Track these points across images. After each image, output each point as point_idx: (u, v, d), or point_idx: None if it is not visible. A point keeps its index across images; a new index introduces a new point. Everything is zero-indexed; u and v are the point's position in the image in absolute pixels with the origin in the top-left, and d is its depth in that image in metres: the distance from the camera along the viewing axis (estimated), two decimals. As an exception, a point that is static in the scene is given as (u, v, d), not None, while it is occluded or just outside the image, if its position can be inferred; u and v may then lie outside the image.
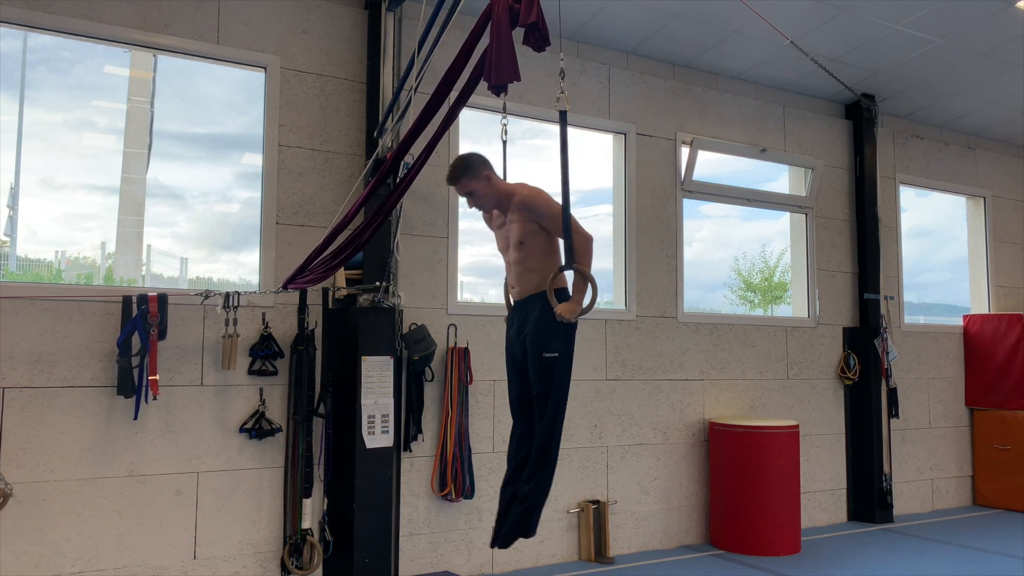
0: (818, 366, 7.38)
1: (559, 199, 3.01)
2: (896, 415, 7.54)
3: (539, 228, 3.24)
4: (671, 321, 6.58)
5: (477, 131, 5.98)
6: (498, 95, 2.60)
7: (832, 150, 7.70)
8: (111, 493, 4.51)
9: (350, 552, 4.75)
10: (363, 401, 4.81)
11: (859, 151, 7.71)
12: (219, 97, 5.42)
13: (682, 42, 6.43)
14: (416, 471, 5.37)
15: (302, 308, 4.95)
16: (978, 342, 8.30)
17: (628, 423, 6.27)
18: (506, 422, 5.65)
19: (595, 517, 5.91)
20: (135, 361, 4.47)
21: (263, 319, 4.96)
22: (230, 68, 5.22)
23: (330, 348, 5.00)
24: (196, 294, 4.69)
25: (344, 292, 5.03)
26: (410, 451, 5.32)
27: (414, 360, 5.19)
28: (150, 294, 4.52)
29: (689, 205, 6.92)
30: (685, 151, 6.81)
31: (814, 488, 7.15)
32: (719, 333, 6.84)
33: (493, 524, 3.38)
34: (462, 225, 5.73)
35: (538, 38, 2.42)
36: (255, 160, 5.25)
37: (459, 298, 5.74)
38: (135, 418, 4.52)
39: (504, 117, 3.43)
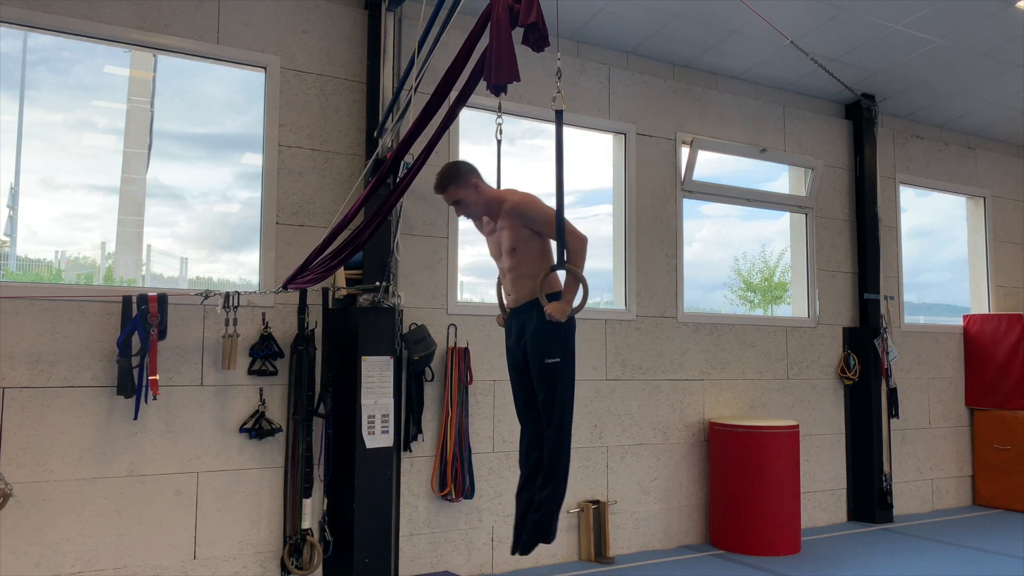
0: (818, 366, 7.38)
1: (552, 199, 3.00)
2: (896, 415, 7.54)
3: (531, 234, 3.23)
4: (671, 321, 6.58)
5: (477, 131, 5.98)
6: (497, 95, 2.59)
7: (832, 150, 7.70)
8: (111, 493, 4.51)
9: (350, 552, 4.75)
10: (363, 401, 4.81)
11: (859, 151, 7.71)
12: (219, 97, 5.42)
13: (682, 42, 6.43)
14: (416, 471, 5.37)
15: (302, 308, 4.95)
16: (978, 342, 8.30)
17: (628, 423, 6.27)
18: (506, 422, 5.66)
19: (595, 517, 5.91)
20: (135, 361, 4.47)
21: (263, 319, 4.96)
22: (230, 68, 5.22)
23: (330, 348, 5.00)
24: (196, 294, 4.69)
25: (344, 292, 5.03)
26: (410, 451, 5.32)
27: (414, 360, 5.19)
28: (150, 294, 4.52)
29: (689, 205, 6.92)
30: (685, 151, 6.81)
31: (814, 488, 7.15)
32: (719, 333, 6.84)
33: (512, 529, 3.38)
34: (462, 225, 5.73)
35: (537, 38, 2.42)
36: (255, 160, 5.25)
37: (459, 298, 5.74)
38: (135, 418, 4.53)
39: (499, 116, 3.42)
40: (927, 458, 7.96)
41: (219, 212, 5.45)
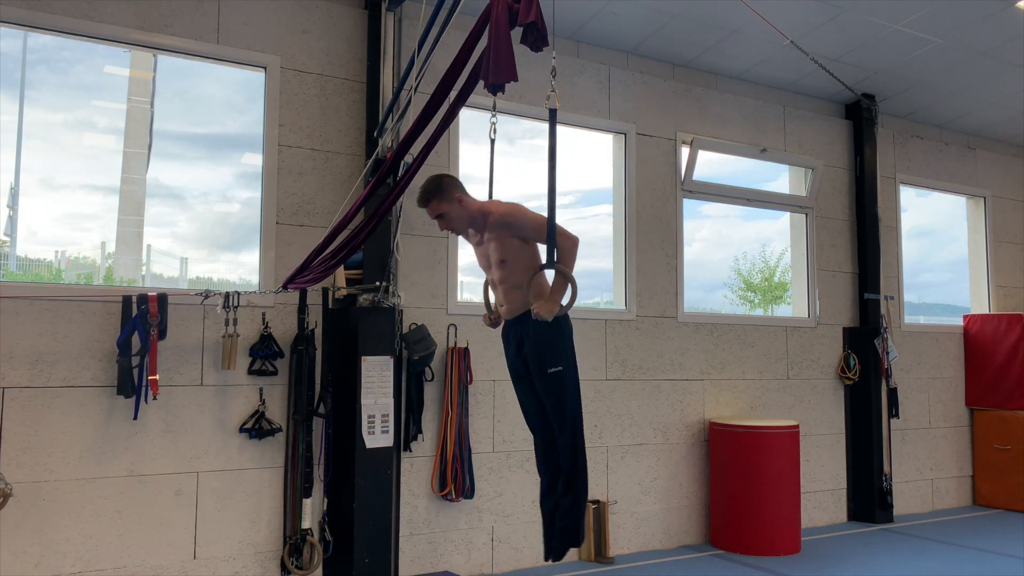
0: (818, 366, 7.38)
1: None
2: (896, 415, 7.53)
3: (520, 244, 3.18)
4: (671, 321, 6.58)
5: (477, 131, 5.98)
6: (495, 94, 2.59)
7: (832, 150, 7.70)
8: (111, 493, 4.51)
9: (350, 552, 4.75)
10: (363, 401, 4.81)
11: (859, 151, 7.71)
12: (219, 97, 5.42)
13: (682, 42, 6.43)
14: (416, 471, 5.37)
15: (302, 308, 4.95)
16: (978, 342, 8.30)
17: (628, 423, 6.27)
18: (506, 422, 5.66)
19: (595, 517, 5.91)
20: (135, 361, 4.47)
21: (263, 319, 4.96)
22: (230, 68, 5.22)
23: (330, 348, 5.00)
24: (196, 294, 4.69)
25: (344, 292, 5.03)
26: (410, 451, 5.32)
27: (414, 360, 5.19)
28: (150, 294, 4.52)
29: (689, 205, 6.92)
30: (685, 151, 6.81)
31: (814, 488, 7.15)
32: (719, 333, 6.84)
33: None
34: (462, 225, 5.72)
35: (536, 38, 2.42)
36: (255, 160, 5.25)
37: (459, 298, 5.74)
38: (135, 418, 4.53)
39: (494, 116, 3.39)
40: (927, 458, 7.96)
41: (219, 212, 5.45)
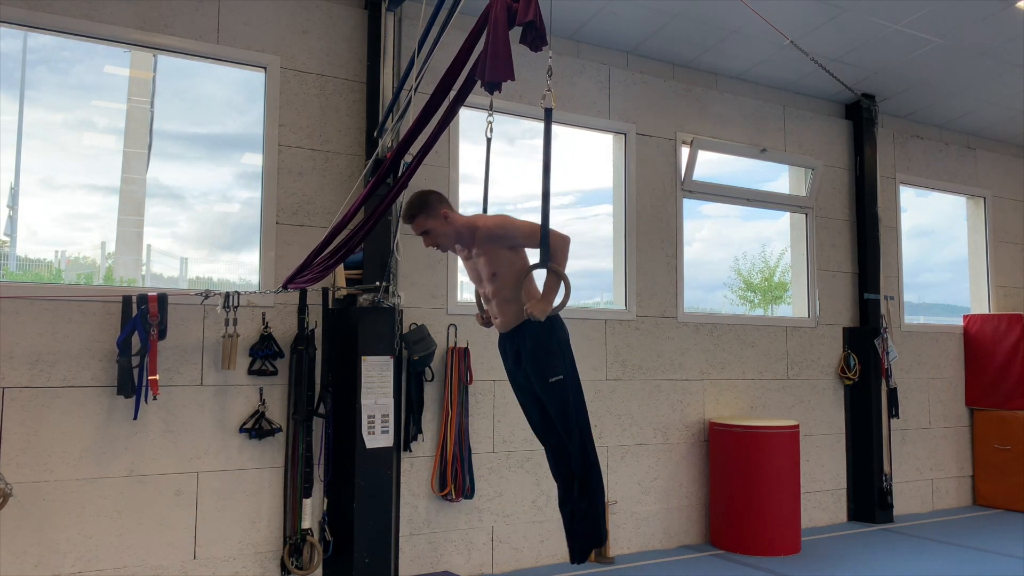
0: (818, 366, 7.38)
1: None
2: (896, 415, 7.54)
3: (511, 256, 3.16)
4: (671, 321, 6.58)
5: (477, 131, 5.98)
6: (491, 93, 2.58)
7: (832, 150, 7.70)
8: (111, 493, 4.51)
9: (350, 552, 4.75)
10: (363, 401, 4.81)
11: (859, 151, 7.71)
12: (219, 97, 5.42)
13: (682, 42, 6.43)
14: (416, 471, 5.37)
15: (302, 308, 4.95)
16: (978, 342, 8.30)
17: (628, 423, 6.27)
18: (506, 422, 5.66)
19: (595, 517, 5.90)
20: (135, 361, 4.47)
21: (263, 319, 4.96)
22: (230, 68, 5.22)
23: (330, 348, 5.00)
24: (196, 294, 4.69)
25: (344, 292, 5.03)
26: (410, 451, 5.32)
27: (414, 360, 5.19)
28: (150, 294, 4.52)
29: (689, 205, 6.92)
30: (685, 151, 6.81)
31: (814, 488, 7.15)
32: (719, 333, 6.84)
33: (565, 539, 3.38)
34: (462, 225, 5.72)
35: (535, 37, 2.41)
36: (255, 160, 5.25)
37: (459, 298, 5.74)
38: (135, 418, 4.53)
39: (490, 115, 3.37)
40: (927, 458, 7.96)
41: (219, 212, 5.45)
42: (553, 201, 6.87)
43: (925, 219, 8.95)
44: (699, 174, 6.83)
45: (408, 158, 4.11)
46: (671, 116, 6.76)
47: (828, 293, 7.51)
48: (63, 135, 4.93)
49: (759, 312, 10.48)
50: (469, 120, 5.92)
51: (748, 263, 9.48)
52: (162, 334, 4.55)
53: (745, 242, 8.32)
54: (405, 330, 5.28)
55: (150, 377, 4.46)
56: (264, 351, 4.90)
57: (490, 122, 3.32)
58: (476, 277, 3.33)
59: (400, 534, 5.26)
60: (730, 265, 8.36)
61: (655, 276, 6.54)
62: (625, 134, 6.52)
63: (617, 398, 6.24)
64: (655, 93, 6.69)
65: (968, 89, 7.46)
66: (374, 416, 4.84)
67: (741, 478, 6.18)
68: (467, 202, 5.77)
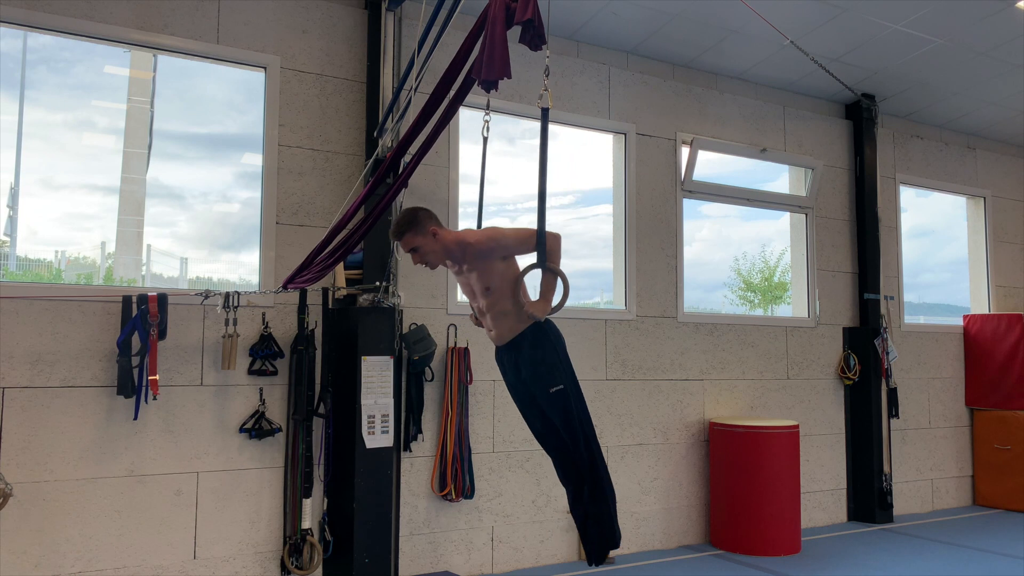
0: (818, 366, 7.38)
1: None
2: (896, 415, 7.54)
3: (503, 267, 3.13)
4: (671, 321, 6.58)
5: (477, 131, 5.93)
6: (488, 91, 2.57)
7: (832, 150, 7.70)
8: (111, 493, 4.51)
9: (350, 552, 4.75)
10: (363, 401, 4.81)
11: (859, 151, 7.71)
12: (219, 97, 5.42)
13: (682, 42, 6.43)
14: (416, 471, 5.37)
15: (302, 308, 4.95)
16: (978, 342, 8.30)
17: (628, 423, 6.28)
18: (506, 422, 5.66)
19: (595, 517, 5.90)
20: (135, 361, 4.47)
21: (263, 319, 4.96)
22: (230, 68, 5.22)
23: (330, 348, 5.00)
24: (196, 294, 4.69)
25: (344, 292, 5.03)
26: (410, 451, 5.32)
27: (414, 360, 5.20)
28: (150, 294, 4.52)
29: (689, 205, 6.92)
30: (685, 151, 6.81)
31: (814, 488, 7.15)
32: (719, 333, 6.84)
33: (579, 541, 3.39)
34: (462, 225, 5.73)
35: (533, 36, 2.41)
36: (255, 160, 5.25)
37: (459, 298, 5.74)
38: (135, 418, 4.53)
39: (487, 114, 3.36)
40: (927, 458, 7.96)
41: (219, 212, 5.45)
42: (553, 201, 6.86)
43: (925, 219, 8.96)
44: (699, 174, 6.83)
45: (408, 158, 4.12)
46: (671, 116, 6.76)
47: (828, 293, 7.51)
48: (63, 135, 4.93)
49: (759, 312, 10.48)
50: (469, 120, 5.92)
51: (748, 263, 9.48)
52: (162, 334, 4.55)
53: (745, 242, 8.32)
54: (405, 330, 5.28)
55: (150, 377, 4.46)
56: (264, 351, 4.90)
57: (487, 121, 3.31)
58: (470, 292, 3.31)
59: (400, 534, 5.26)
60: (730, 265, 8.36)
61: (655, 276, 6.54)
62: (625, 134, 6.52)
63: (617, 398, 6.24)
64: (655, 93, 6.69)
65: (968, 89, 7.46)
66: (374, 416, 4.84)
67: (741, 478, 6.18)
68: (466, 202, 5.78)
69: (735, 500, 6.22)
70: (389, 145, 5.01)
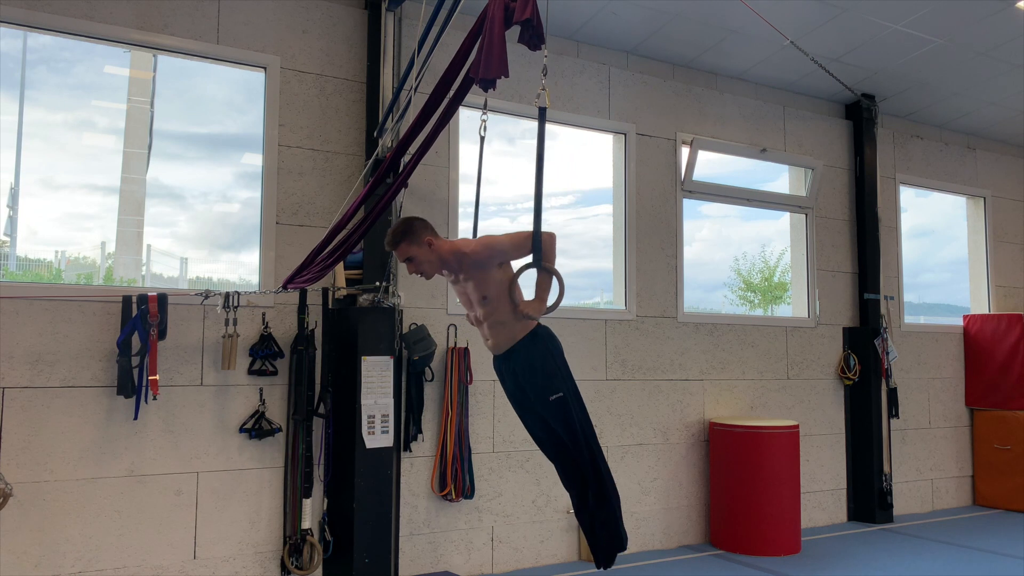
0: (818, 366, 7.38)
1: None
2: (896, 415, 7.54)
3: (500, 276, 3.14)
4: (671, 321, 6.58)
5: (476, 131, 5.97)
6: (486, 90, 2.57)
7: (832, 150, 7.70)
8: (111, 493, 4.51)
9: (350, 552, 4.75)
10: (363, 401, 4.81)
11: (859, 151, 7.71)
12: (219, 97, 5.42)
13: (682, 42, 6.43)
14: (416, 471, 5.37)
15: (302, 308, 4.95)
16: (978, 342, 8.30)
17: (628, 423, 6.28)
18: (506, 422, 5.66)
19: (595, 517, 5.90)
20: (135, 361, 4.47)
21: (263, 319, 4.96)
22: (230, 68, 5.22)
23: (330, 348, 5.00)
24: (196, 294, 4.69)
25: (344, 292, 5.03)
26: (410, 451, 5.32)
27: (414, 360, 5.20)
28: (150, 294, 4.52)
29: (689, 205, 6.92)
30: (685, 151, 6.81)
31: (814, 488, 7.15)
32: (719, 333, 6.84)
33: (587, 545, 3.39)
34: (462, 225, 5.73)
35: (532, 35, 2.41)
36: (255, 160, 5.25)
37: (459, 298, 5.73)
38: (135, 418, 4.53)
39: (484, 113, 3.36)
40: (927, 458, 7.96)
41: (219, 212, 5.45)
42: (553, 201, 6.85)
43: (925, 219, 8.96)
44: (699, 174, 6.83)
45: (407, 157, 4.12)
46: (671, 116, 6.76)
47: (828, 293, 7.51)
48: (63, 135, 4.93)
49: (759, 312, 10.48)
50: (469, 120, 5.92)
51: (748, 263, 9.48)
52: (162, 334, 4.55)
53: (745, 242, 8.33)
54: (405, 330, 5.28)
55: (150, 377, 4.47)
56: (264, 351, 4.90)
57: (484, 120, 3.29)
58: (466, 301, 3.31)
59: (400, 534, 5.26)
60: (730, 265, 8.36)
61: (655, 276, 6.54)
62: (625, 134, 6.52)
63: (617, 398, 6.24)
64: (655, 93, 6.69)
65: (968, 89, 7.46)
66: (374, 416, 4.84)
67: (741, 478, 6.18)
68: (466, 202, 5.78)
69: (735, 500, 6.22)
70: (389, 145, 5.01)
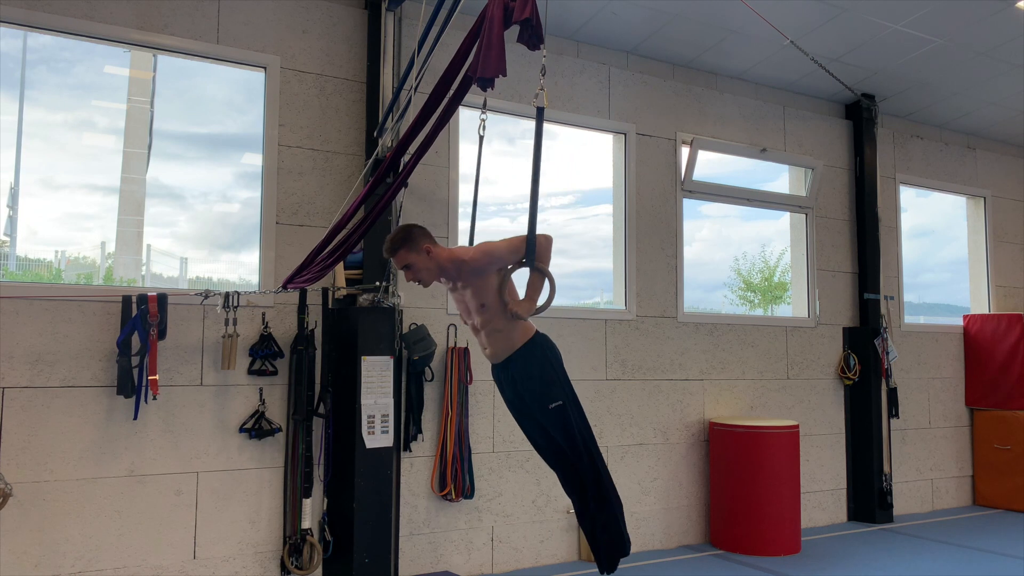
0: (818, 366, 7.38)
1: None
2: (896, 415, 7.54)
3: (496, 282, 3.14)
4: (671, 321, 6.58)
5: (476, 131, 5.97)
6: (484, 89, 2.57)
7: (832, 150, 7.70)
8: (111, 493, 4.51)
9: (350, 552, 4.75)
10: (363, 401, 4.81)
11: (859, 151, 7.71)
12: (219, 97, 5.42)
13: (682, 42, 6.43)
14: (416, 471, 5.37)
15: (302, 308, 4.95)
16: (978, 342, 8.30)
17: (628, 423, 6.27)
18: (506, 422, 5.66)
19: (595, 517, 5.90)
20: (135, 361, 4.47)
21: (263, 319, 4.96)
22: (230, 68, 5.22)
23: (330, 348, 5.00)
24: (196, 294, 4.69)
25: (344, 292, 5.03)
26: (410, 451, 5.32)
27: (414, 360, 5.20)
28: (150, 294, 4.52)
29: (689, 205, 6.92)
30: (685, 151, 6.81)
31: (814, 488, 7.15)
32: (719, 333, 6.84)
33: (588, 546, 3.40)
34: (462, 225, 5.73)
35: (531, 35, 2.42)
36: (255, 160, 5.25)
37: (459, 298, 5.73)
38: (135, 418, 4.53)
39: (483, 112, 3.35)
40: (927, 458, 7.96)
41: (219, 212, 5.45)
42: (553, 201, 6.85)
43: (925, 219, 8.96)
44: (699, 174, 6.83)
45: (407, 157, 4.12)
46: (671, 116, 6.76)
47: (828, 293, 7.51)
48: (63, 135, 4.93)
49: (759, 312, 10.48)
50: (469, 120, 5.92)
51: (748, 263, 9.48)
52: (162, 334, 4.55)
53: (745, 242, 8.33)
54: (405, 330, 5.28)
55: (150, 377, 4.47)
56: (264, 351, 4.91)
57: (483, 119, 3.28)
58: (464, 309, 3.30)
59: (400, 534, 5.26)
60: (730, 265, 8.36)
61: (655, 276, 6.54)
62: (625, 134, 6.52)
63: (617, 398, 6.24)
64: (655, 93, 6.69)
65: (968, 89, 7.46)
66: (374, 416, 4.84)
67: (741, 478, 6.18)
68: (466, 202, 5.78)
69: (735, 500, 6.22)
70: (389, 145, 5.01)
